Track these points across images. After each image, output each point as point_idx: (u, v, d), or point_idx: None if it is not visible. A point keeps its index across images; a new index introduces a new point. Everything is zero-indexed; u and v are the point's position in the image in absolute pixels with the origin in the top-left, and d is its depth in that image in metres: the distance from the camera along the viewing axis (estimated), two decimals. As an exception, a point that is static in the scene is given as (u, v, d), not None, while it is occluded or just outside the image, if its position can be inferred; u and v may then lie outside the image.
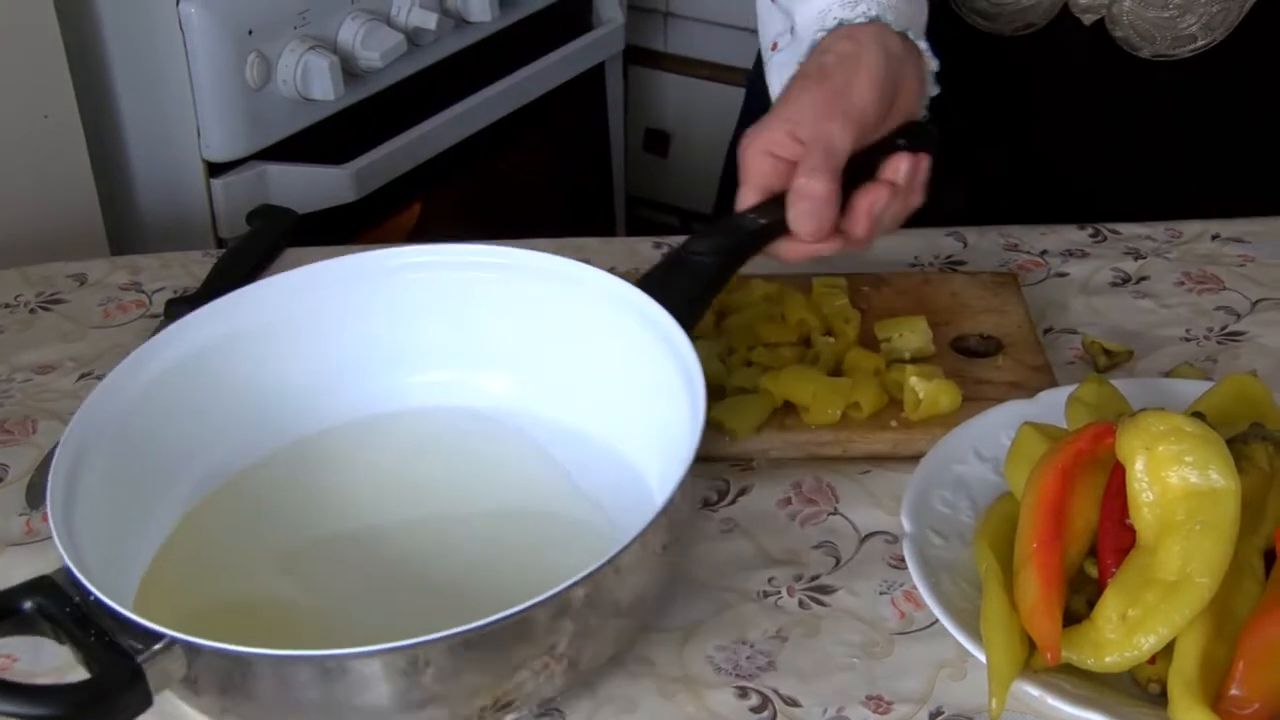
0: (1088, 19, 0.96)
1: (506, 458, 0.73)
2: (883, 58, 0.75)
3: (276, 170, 1.34)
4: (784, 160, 0.74)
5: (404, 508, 0.71)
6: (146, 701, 0.55)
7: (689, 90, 1.86)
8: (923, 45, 0.78)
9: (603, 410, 0.72)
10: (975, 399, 0.76)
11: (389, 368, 0.75)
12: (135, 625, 0.55)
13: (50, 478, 0.61)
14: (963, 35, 0.99)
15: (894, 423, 0.75)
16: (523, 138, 1.61)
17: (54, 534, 0.58)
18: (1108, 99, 0.99)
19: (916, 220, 0.88)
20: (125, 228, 1.34)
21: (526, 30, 1.57)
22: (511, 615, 0.54)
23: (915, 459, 0.71)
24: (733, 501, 0.73)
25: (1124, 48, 0.96)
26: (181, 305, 0.83)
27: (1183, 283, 0.89)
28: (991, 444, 0.71)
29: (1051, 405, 0.72)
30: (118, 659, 0.54)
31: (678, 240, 0.80)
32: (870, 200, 0.73)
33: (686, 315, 0.69)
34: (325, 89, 1.32)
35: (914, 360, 0.79)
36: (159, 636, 0.54)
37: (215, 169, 1.31)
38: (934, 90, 0.80)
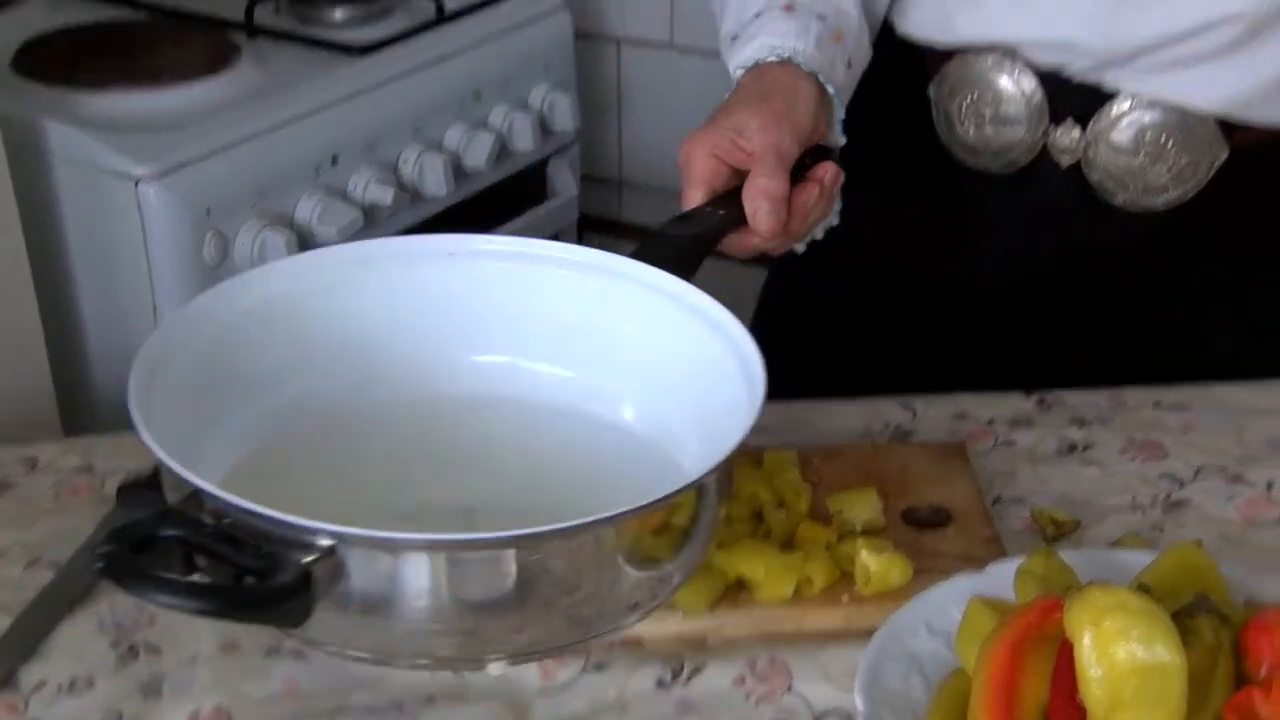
0: (1065, 161, 0.99)
1: (556, 446, 0.75)
2: (812, 87, 0.88)
3: (232, 346, 1.34)
4: (725, 164, 0.83)
5: (452, 491, 0.71)
6: (307, 611, 0.56)
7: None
8: (830, 89, 0.89)
9: (651, 399, 0.75)
10: (927, 571, 0.76)
11: (446, 347, 0.77)
12: (301, 526, 0.55)
13: (138, 410, 0.62)
14: (948, 169, 1.03)
15: (846, 597, 0.76)
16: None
17: (168, 461, 0.59)
18: (1083, 243, 1.02)
19: (866, 388, 0.91)
20: (78, 408, 1.34)
21: (481, 204, 1.59)
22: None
23: (869, 634, 0.71)
24: (687, 681, 0.73)
25: (1099, 193, 0.99)
26: (134, 489, 0.83)
27: (1126, 450, 0.90)
28: (943, 618, 0.71)
29: (1000, 577, 0.72)
30: (285, 564, 0.55)
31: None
32: (804, 197, 0.84)
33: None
34: (281, 266, 1.33)
35: (865, 533, 0.80)
36: (320, 533, 0.55)
37: (171, 346, 1.31)
38: (841, 139, 0.91)
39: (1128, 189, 0.99)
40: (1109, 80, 0.97)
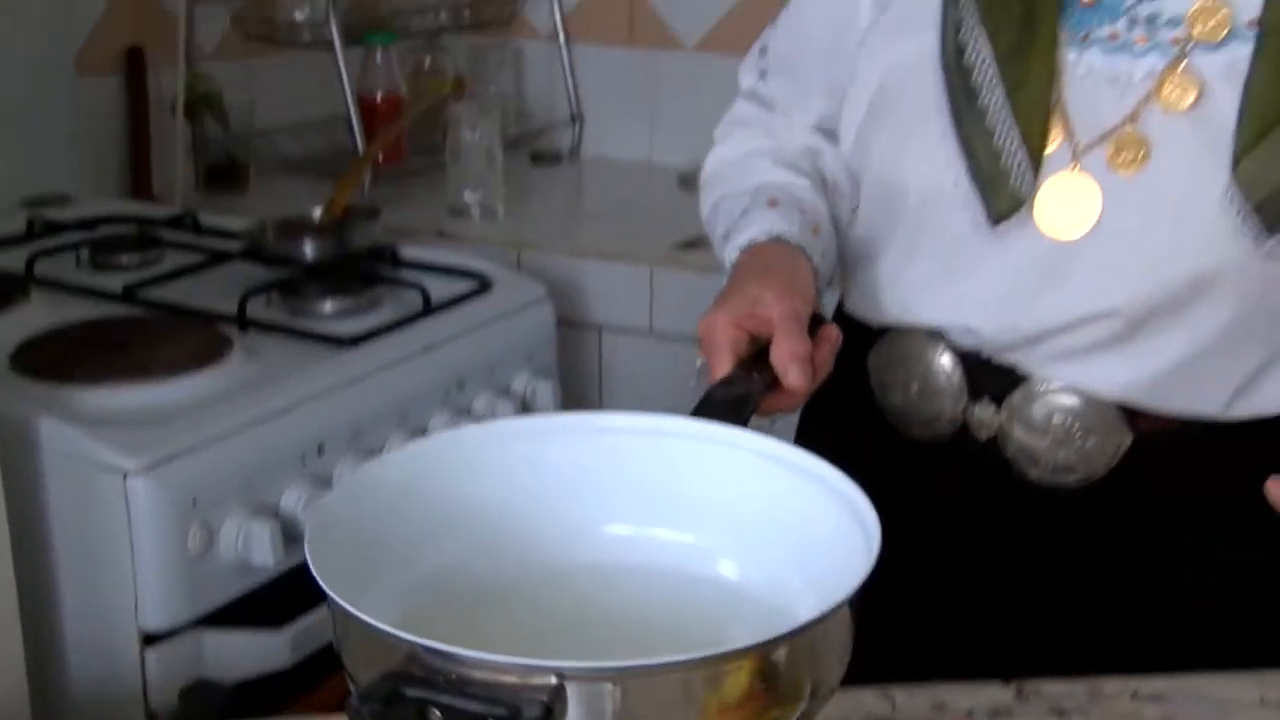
0: (983, 435, 1.04)
1: (685, 610, 0.77)
2: (804, 260, 1.00)
3: (212, 638, 1.33)
4: (745, 332, 0.91)
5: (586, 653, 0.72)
6: None
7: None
8: (816, 261, 1.01)
9: (769, 558, 0.77)
10: None
11: (579, 517, 0.80)
12: (528, 666, 0.58)
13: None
14: (886, 434, 1.08)
15: None
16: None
17: (374, 623, 0.61)
18: (1001, 519, 1.06)
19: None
20: (51, 698, 1.32)
21: None
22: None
23: None
24: None
25: (1015, 467, 1.03)
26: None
27: (1107, 743, 0.90)
28: None
29: None
30: (527, 703, 0.58)
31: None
32: (821, 356, 0.93)
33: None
34: (265, 556, 1.34)
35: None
36: (545, 670, 0.58)
37: (150, 638, 1.30)
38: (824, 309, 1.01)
39: (1039, 465, 1.03)
40: (1020, 363, 1.02)
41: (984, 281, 1.02)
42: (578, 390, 1.87)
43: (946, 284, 1.04)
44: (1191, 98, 0.94)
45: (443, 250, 1.82)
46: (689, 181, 1.80)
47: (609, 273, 1.85)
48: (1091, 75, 0.97)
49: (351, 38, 2.11)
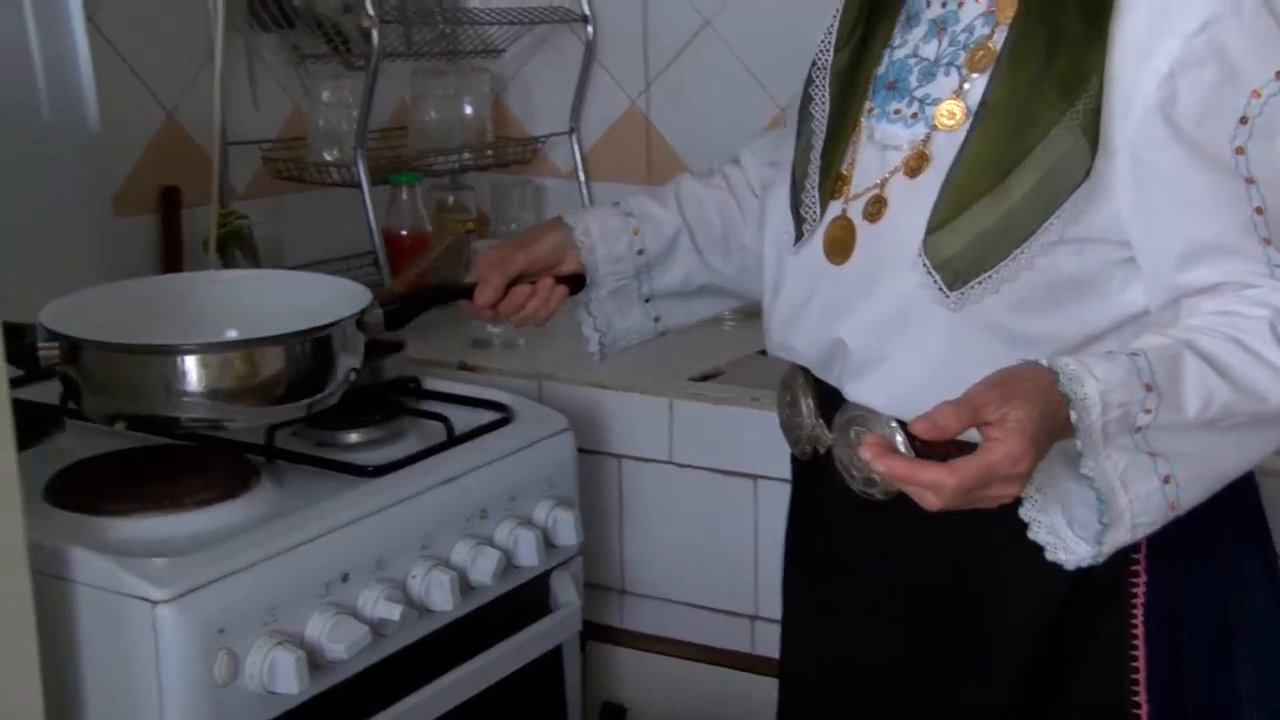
0: (821, 449, 1.28)
1: None
2: (563, 232, 1.51)
3: (234, 770, 1.33)
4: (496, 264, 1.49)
5: None
6: None
7: (645, 665, 1.88)
8: (578, 231, 1.51)
9: None
10: None
11: None
12: None
13: None
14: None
15: None
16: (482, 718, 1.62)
17: None
18: (834, 519, 1.30)
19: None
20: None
21: (485, 617, 1.60)
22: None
23: None
24: None
25: (841, 479, 1.23)
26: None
27: None
28: None
29: None
30: None
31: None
32: (521, 288, 1.49)
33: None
34: (290, 684, 1.34)
35: None
36: None
37: (173, 767, 1.30)
38: (585, 268, 1.53)
39: (853, 477, 1.22)
40: (835, 381, 1.24)
41: (786, 303, 1.27)
42: (598, 518, 1.87)
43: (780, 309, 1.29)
44: (922, 167, 1.17)
45: (466, 382, 1.85)
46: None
47: (629, 403, 1.87)
48: (871, 141, 1.22)
49: (378, 177, 2.15)
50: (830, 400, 1.25)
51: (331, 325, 1.44)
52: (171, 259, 2.13)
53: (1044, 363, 1.03)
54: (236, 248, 2.16)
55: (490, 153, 2.35)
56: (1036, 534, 1.08)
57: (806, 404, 1.28)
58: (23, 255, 1.76)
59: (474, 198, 2.40)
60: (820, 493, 1.30)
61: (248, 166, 2.24)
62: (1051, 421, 1.01)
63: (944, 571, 1.23)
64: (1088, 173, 1.10)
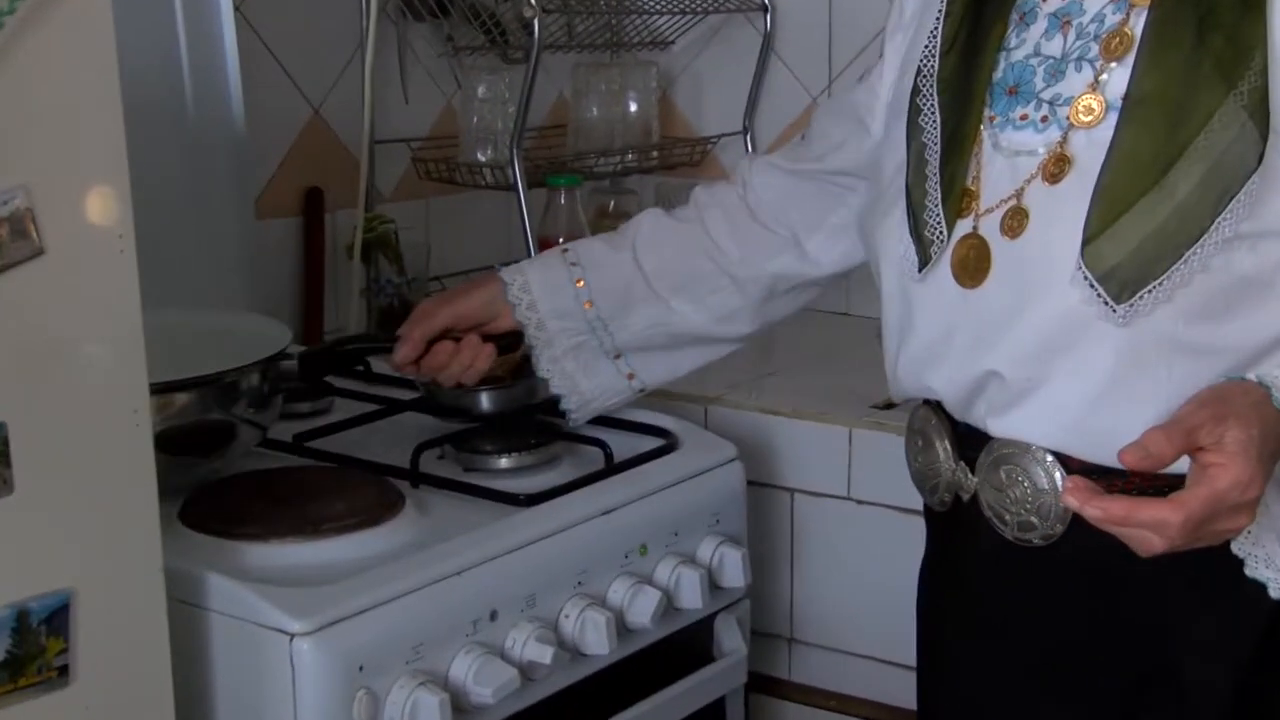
0: (965, 496, 1.19)
1: None
2: (495, 289, 1.49)
3: (374, 820, 1.26)
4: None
5: None
6: None
7: (813, 722, 1.83)
8: (513, 289, 1.49)
9: None
10: None
11: None
12: None
13: None
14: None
15: None
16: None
17: None
18: (983, 575, 1.21)
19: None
20: None
21: (644, 663, 1.52)
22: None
23: None
24: None
25: (991, 527, 1.16)
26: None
27: None
28: None
29: None
30: None
31: None
32: (446, 346, 1.49)
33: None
34: (433, 730, 1.27)
35: None
36: None
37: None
38: (520, 325, 1.52)
39: (1006, 524, 1.15)
40: (977, 421, 1.16)
41: (920, 338, 1.18)
42: (767, 558, 1.81)
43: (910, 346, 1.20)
44: (1064, 171, 1.08)
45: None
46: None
47: (804, 432, 1.80)
48: (998, 149, 1.13)
49: (533, 180, 2.10)
50: (968, 440, 1.18)
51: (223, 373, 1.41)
52: (313, 265, 2.09)
53: (1251, 377, 1.01)
54: (381, 254, 2.13)
55: (656, 154, 2.29)
56: (1255, 570, 1.05)
57: (943, 447, 1.20)
58: (163, 256, 1.73)
59: (637, 203, 2.33)
60: (965, 547, 1.23)
61: (395, 166, 2.20)
62: (1275, 441, 0.98)
63: (1118, 630, 1.15)
64: (1260, 159, 1.02)
